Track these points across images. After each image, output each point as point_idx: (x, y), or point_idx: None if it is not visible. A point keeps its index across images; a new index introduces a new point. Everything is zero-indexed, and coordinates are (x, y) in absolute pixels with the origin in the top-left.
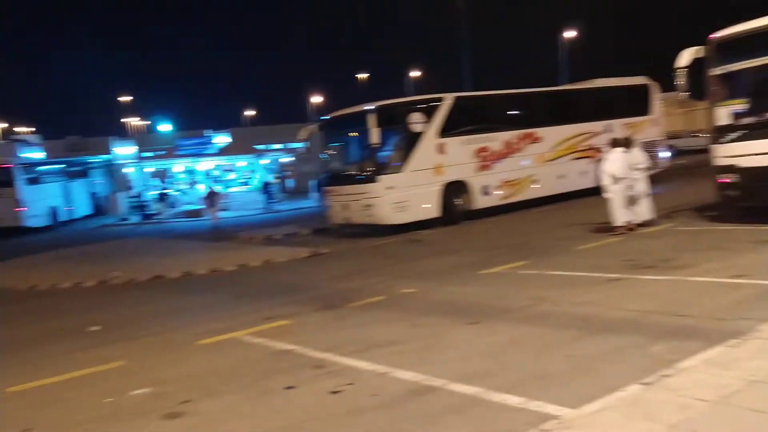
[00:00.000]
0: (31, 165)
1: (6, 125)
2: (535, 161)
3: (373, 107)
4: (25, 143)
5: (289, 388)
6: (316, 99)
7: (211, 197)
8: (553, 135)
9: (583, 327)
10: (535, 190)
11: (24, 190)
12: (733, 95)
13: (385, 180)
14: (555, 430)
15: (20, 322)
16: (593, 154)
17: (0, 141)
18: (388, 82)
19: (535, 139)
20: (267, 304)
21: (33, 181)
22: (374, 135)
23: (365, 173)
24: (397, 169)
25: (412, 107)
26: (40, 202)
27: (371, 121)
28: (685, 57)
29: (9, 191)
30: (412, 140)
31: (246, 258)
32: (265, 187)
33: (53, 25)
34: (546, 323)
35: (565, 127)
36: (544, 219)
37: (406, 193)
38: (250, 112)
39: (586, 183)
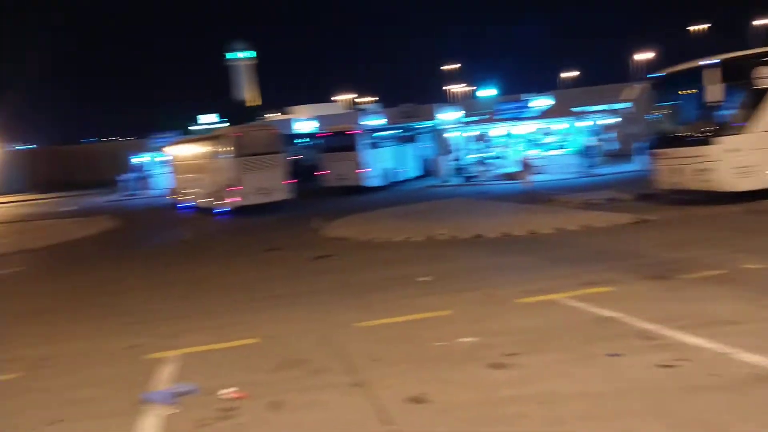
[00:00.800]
0: (371, 131)
1: (352, 96)
2: None
3: (716, 61)
4: (367, 112)
5: (612, 355)
6: (643, 56)
7: (525, 161)
8: None
9: None
10: None
11: (365, 154)
12: None
13: (726, 142)
14: None
15: (362, 269)
16: None
17: (347, 110)
18: (726, 33)
19: None
20: (586, 269)
21: (372, 146)
22: (715, 92)
23: (702, 134)
24: (740, 130)
25: (761, 60)
26: (377, 164)
27: (712, 76)
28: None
29: (353, 154)
30: (759, 97)
31: (563, 222)
32: (585, 150)
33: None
34: None
35: None
36: None
37: (751, 157)
38: (569, 74)
39: None
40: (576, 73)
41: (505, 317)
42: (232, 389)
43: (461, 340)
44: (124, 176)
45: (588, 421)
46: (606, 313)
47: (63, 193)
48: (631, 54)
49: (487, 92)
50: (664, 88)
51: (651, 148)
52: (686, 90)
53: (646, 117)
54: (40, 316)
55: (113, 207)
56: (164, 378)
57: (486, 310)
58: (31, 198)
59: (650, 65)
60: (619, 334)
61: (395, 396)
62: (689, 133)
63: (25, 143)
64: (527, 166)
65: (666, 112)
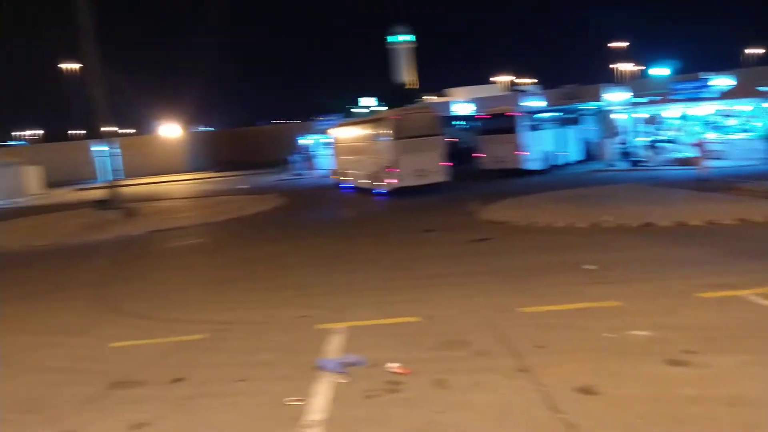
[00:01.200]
0: (532, 113)
1: (511, 77)
2: None
3: None
4: (527, 93)
5: None
6: None
7: (701, 145)
8: None
9: None
10: None
11: (525, 136)
12: None
13: None
14: None
15: (523, 254)
16: None
17: (506, 92)
18: None
19: None
20: None
21: (532, 128)
22: None
23: None
24: None
25: None
26: (537, 147)
27: None
28: None
29: (512, 137)
30: None
31: (747, 212)
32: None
33: None
34: None
35: None
36: None
37: None
38: (755, 50)
39: None
40: (762, 51)
41: (682, 312)
42: (396, 364)
43: (633, 332)
44: (292, 156)
45: None
46: None
47: (238, 172)
48: None
49: (660, 71)
50: None
51: None
52: None
53: None
54: (220, 284)
55: (282, 186)
56: (333, 348)
57: (660, 303)
58: (210, 176)
59: None
60: None
61: (563, 385)
62: None
63: (205, 126)
64: (703, 150)
65: None
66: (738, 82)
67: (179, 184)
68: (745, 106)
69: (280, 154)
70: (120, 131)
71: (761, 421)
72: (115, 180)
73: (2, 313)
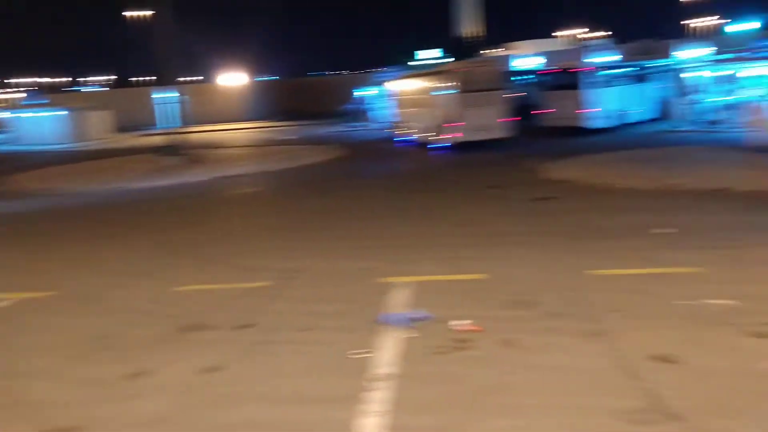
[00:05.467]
0: (598, 69)
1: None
2: None
3: None
4: (594, 48)
5: None
6: None
7: (756, 107)
8: None
9: None
10: None
11: (589, 93)
12: None
13: None
14: None
15: (589, 214)
16: None
17: (572, 46)
18: None
19: None
20: None
21: (599, 84)
22: None
23: None
24: None
25: None
26: (604, 104)
27: None
28: None
29: (577, 93)
30: None
31: None
32: None
33: None
34: None
35: None
36: None
37: None
38: None
39: None
40: None
41: (766, 281)
42: (466, 322)
43: (712, 301)
44: (349, 107)
45: None
46: None
47: (297, 122)
48: None
49: (743, 26)
50: None
51: None
52: None
53: None
54: (282, 232)
55: (339, 137)
56: (399, 302)
57: (742, 272)
58: (270, 125)
59: None
60: None
61: (640, 351)
62: None
63: (268, 75)
64: (757, 112)
65: None
66: None
67: (240, 132)
68: None
69: (338, 105)
70: (185, 79)
71: None
72: (179, 127)
73: (84, 251)
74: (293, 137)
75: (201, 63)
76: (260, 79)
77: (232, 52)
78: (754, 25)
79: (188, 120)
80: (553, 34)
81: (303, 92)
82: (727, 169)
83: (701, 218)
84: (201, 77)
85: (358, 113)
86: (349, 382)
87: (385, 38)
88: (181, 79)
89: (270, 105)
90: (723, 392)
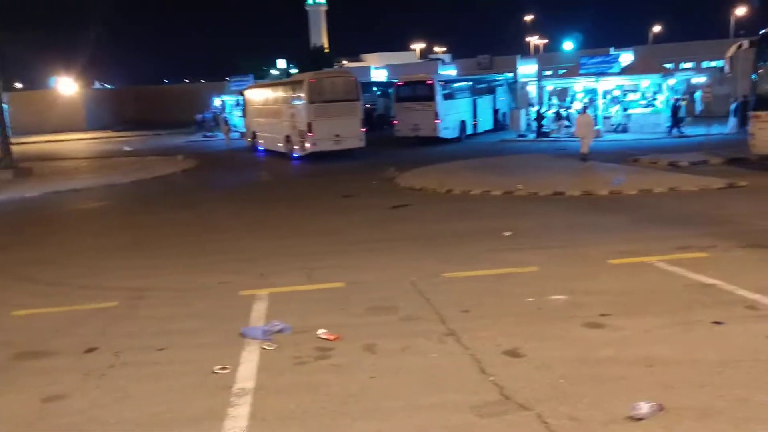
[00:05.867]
0: (448, 81)
1: (424, 45)
2: None
3: None
4: (442, 62)
5: (716, 323)
6: (741, 11)
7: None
8: None
9: None
10: None
11: (441, 105)
12: None
13: None
14: None
15: (442, 220)
16: None
17: (421, 59)
18: None
19: None
20: (678, 233)
21: (448, 97)
22: None
23: None
24: None
25: None
26: (451, 115)
27: None
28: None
29: (428, 105)
30: None
31: (649, 183)
32: (674, 110)
33: None
34: None
35: None
36: None
37: None
38: (659, 28)
39: None
40: (661, 28)
41: (597, 277)
42: (324, 330)
43: (552, 297)
44: (202, 117)
45: (699, 388)
46: (704, 279)
47: (144, 132)
48: (726, 8)
49: (567, 45)
50: None
51: (752, 109)
52: None
53: (752, 76)
54: (129, 250)
55: (192, 147)
56: (257, 315)
57: (576, 269)
58: (112, 135)
59: (747, 22)
60: (720, 302)
61: (490, 348)
62: None
63: (109, 83)
64: (560, 119)
65: None
66: (641, 58)
67: (81, 143)
68: (646, 81)
69: (190, 115)
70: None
71: (675, 379)
72: (4, 137)
73: None
74: (143, 148)
75: (30, 68)
76: (105, 86)
77: (71, 57)
78: (570, 45)
79: (17, 130)
80: (410, 47)
81: (154, 100)
82: (562, 175)
83: (541, 221)
84: (28, 84)
85: (214, 122)
86: (209, 400)
87: (241, 47)
88: (14, 85)
89: (116, 114)
90: (566, 380)
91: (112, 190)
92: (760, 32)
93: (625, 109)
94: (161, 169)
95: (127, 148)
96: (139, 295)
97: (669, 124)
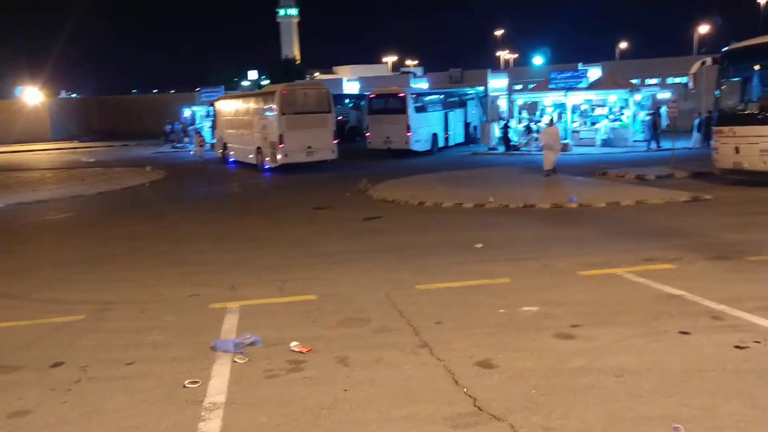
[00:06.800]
0: (420, 95)
1: (396, 58)
2: None
3: None
4: (414, 75)
5: (683, 333)
6: (704, 29)
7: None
8: None
9: None
10: None
11: (412, 117)
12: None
13: None
14: None
15: (413, 232)
16: None
17: (393, 72)
18: None
19: None
20: (644, 245)
21: (419, 110)
22: None
23: None
24: None
25: None
26: (423, 128)
27: None
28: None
29: (400, 117)
30: None
31: (616, 196)
32: (639, 124)
33: None
34: None
35: None
36: None
37: None
38: (626, 44)
39: None
40: (627, 45)
41: (566, 289)
42: (295, 343)
43: (523, 309)
44: (172, 128)
45: (665, 398)
46: (671, 290)
47: (111, 143)
48: (690, 26)
49: (537, 60)
50: (733, 63)
51: (715, 125)
52: (758, 65)
53: (715, 93)
54: (96, 262)
55: (161, 158)
56: (228, 327)
57: (546, 281)
58: (78, 146)
59: (711, 39)
60: (686, 313)
61: (463, 360)
62: (759, 111)
63: (76, 92)
64: (530, 132)
65: (733, 88)
66: (608, 74)
67: (44, 154)
68: (612, 96)
69: (159, 126)
70: None
71: (645, 389)
72: None
73: None
74: (109, 159)
75: None
76: (72, 96)
77: (37, 66)
78: (538, 60)
79: None
80: (382, 60)
81: (122, 111)
82: (532, 187)
83: (512, 233)
84: None
85: (183, 133)
86: (179, 414)
87: (212, 58)
88: None
89: (83, 124)
90: (538, 391)
91: (79, 201)
92: (723, 50)
93: (593, 123)
94: (129, 181)
95: (101, 158)
96: (106, 308)
97: (639, 137)
